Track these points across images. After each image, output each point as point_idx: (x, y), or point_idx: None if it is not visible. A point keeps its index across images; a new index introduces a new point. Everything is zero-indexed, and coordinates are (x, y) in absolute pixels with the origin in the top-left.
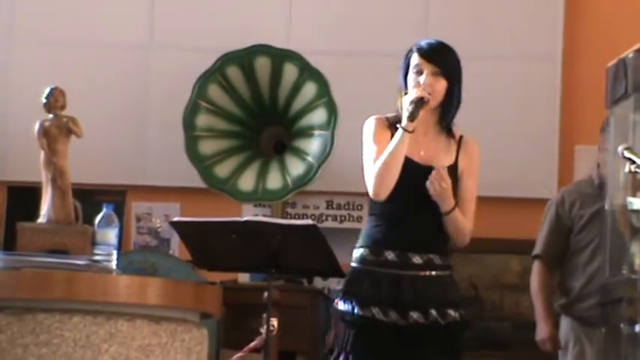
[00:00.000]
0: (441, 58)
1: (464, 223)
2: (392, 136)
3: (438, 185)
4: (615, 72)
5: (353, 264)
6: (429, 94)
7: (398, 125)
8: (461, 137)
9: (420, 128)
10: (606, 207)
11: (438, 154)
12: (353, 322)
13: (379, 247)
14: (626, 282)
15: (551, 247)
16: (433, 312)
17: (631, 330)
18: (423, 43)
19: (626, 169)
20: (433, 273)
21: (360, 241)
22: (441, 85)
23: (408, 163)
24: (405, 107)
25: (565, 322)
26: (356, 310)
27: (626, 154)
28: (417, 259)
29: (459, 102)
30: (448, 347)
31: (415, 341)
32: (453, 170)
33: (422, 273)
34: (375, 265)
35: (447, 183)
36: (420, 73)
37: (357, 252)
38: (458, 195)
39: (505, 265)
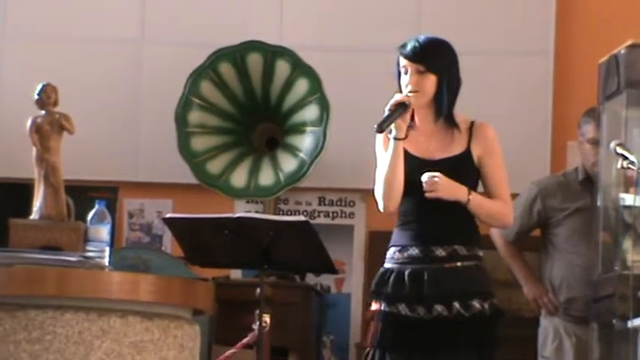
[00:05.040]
0: (424, 56)
1: (493, 205)
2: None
3: (433, 187)
4: (607, 68)
5: (385, 264)
6: (416, 91)
7: (388, 136)
8: (472, 123)
9: (420, 126)
10: (598, 203)
11: (444, 147)
12: (381, 319)
13: (405, 244)
14: (619, 278)
15: (522, 233)
16: (456, 304)
17: (623, 326)
18: (407, 43)
19: (619, 166)
20: (458, 264)
21: (391, 241)
22: (429, 82)
23: (415, 160)
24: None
25: (544, 317)
26: (383, 307)
27: (619, 150)
28: (440, 252)
29: (455, 91)
30: (475, 340)
31: (442, 335)
32: (465, 157)
33: (447, 265)
34: (400, 262)
35: (440, 177)
36: (406, 72)
37: (389, 252)
38: (485, 181)
39: (497, 261)
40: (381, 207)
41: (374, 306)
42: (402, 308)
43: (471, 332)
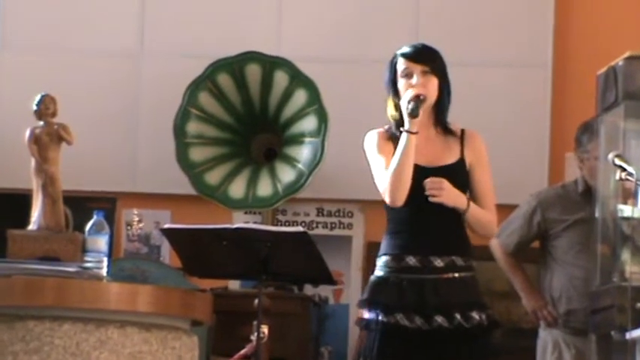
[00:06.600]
0: (427, 57)
1: (484, 215)
2: (395, 147)
3: (438, 192)
4: (605, 80)
5: (377, 272)
6: (424, 95)
7: (401, 129)
8: (463, 131)
9: (419, 132)
10: (597, 214)
11: (442, 154)
12: (378, 329)
13: (400, 253)
14: (617, 289)
15: (522, 244)
16: (457, 316)
17: (622, 337)
18: (406, 47)
19: (617, 177)
20: (456, 275)
21: (382, 249)
22: (433, 83)
23: (414, 168)
24: (404, 108)
25: (543, 328)
26: (380, 317)
27: (617, 161)
28: (438, 262)
29: (449, 99)
30: (475, 351)
31: (440, 346)
32: (461, 165)
33: (445, 276)
34: (397, 271)
35: (444, 182)
36: (409, 76)
37: (380, 260)
38: (472, 189)
39: (495, 272)
40: (389, 201)
41: (366, 314)
42: (401, 318)
43: (471, 344)
